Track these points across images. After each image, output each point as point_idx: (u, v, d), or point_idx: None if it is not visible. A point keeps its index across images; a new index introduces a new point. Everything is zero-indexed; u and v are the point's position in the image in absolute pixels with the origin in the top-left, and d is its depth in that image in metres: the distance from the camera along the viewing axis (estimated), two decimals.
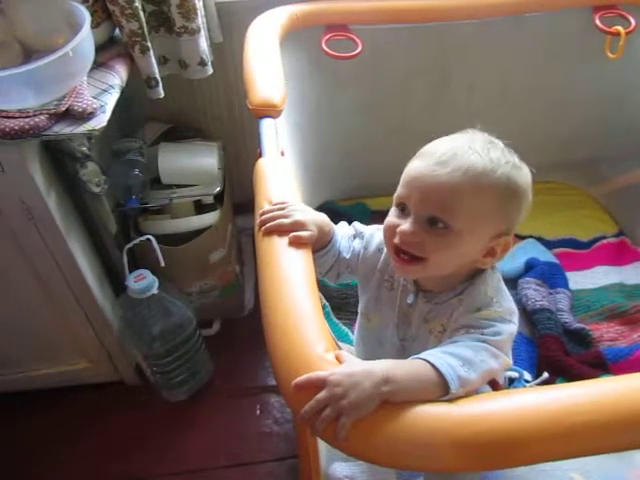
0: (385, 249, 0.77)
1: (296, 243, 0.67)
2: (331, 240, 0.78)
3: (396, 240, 0.66)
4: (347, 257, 0.80)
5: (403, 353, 0.79)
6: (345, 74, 1.22)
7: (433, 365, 0.56)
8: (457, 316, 0.69)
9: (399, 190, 0.68)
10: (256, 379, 1.30)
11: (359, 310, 0.87)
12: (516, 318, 0.70)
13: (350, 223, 0.84)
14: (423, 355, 0.59)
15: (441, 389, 0.55)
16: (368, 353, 0.88)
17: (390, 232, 0.68)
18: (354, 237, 0.82)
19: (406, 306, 0.76)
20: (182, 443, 1.20)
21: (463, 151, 0.64)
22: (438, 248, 0.65)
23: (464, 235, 0.64)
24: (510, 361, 0.67)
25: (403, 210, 0.67)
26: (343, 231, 0.81)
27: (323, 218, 0.77)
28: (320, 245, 0.76)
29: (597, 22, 1.22)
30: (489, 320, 0.66)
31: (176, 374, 1.21)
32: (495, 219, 0.66)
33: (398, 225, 0.66)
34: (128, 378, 1.27)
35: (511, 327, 0.68)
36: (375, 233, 0.81)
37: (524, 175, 0.67)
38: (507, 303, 0.70)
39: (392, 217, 0.69)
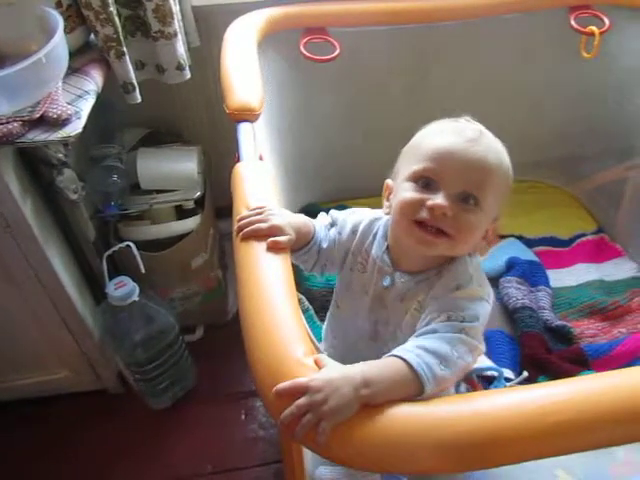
0: (360, 229, 0.78)
1: (274, 248, 0.66)
2: (313, 238, 0.78)
3: (424, 214, 0.65)
4: (325, 247, 0.79)
5: (375, 338, 0.79)
6: (324, 77, 1.22)
7: (410, 365, 0.56)
8: (435, 292, 0.69)
9: (423, 164, 0.66)
10: (241, 384, 1.29)
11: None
12: (491, 300, 0.70)
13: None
14: (399, 352, 0.58)
15: (417, 388, 0.56)
16: (337, 346, 0.88)
17: (413, 207, 0.66)
18: (331, 226, 0.82)
19: (381, 289, 0.75)
20: (167, 450, 1.19)
21: (487, 133, 0.68)
22: (468, 225, 0.65)
23: (485, 212, 0.66)
24: (483, 347, 0.67)
25: (427, 186, 0.66)
26: (321, 222, 0.81)
27: (301, 219, 0.77)
28: (301, 245, 0.76)
29: (572, 22, 1.23)
30: (469, 301, 0.66)
31: (159, 381, 1.20)
32: (501, 202, 0.68)
33: (423, 200, 0.65)
34: (111, 386, 1.26)
35: (488, 309, 0.68)
36: (348, 217, 0.81)
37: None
38: (486, 284, 0.71)
39: (412, 192, 0.67)
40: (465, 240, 0.66)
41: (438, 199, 0.64)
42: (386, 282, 0.74)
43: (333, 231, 0.81)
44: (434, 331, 0.63)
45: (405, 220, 0.68)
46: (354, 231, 0.79)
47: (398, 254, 0.74)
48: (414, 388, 0.55)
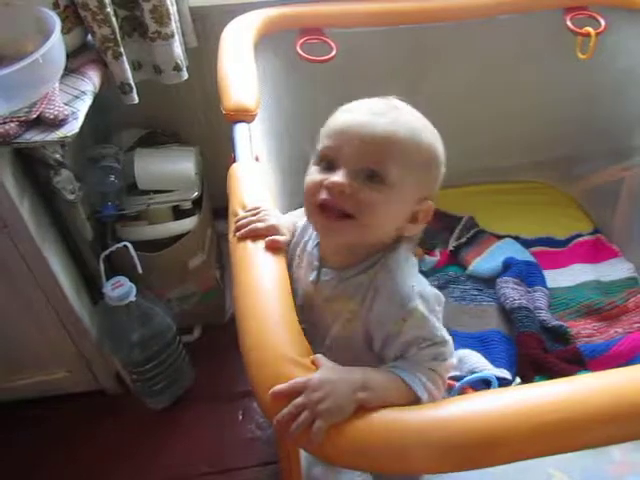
0: (303, 222, 0.73)
1: (272, 247, 0.67)
2: None
3: (323, 195, 0.60)
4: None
5: (311, 341, 0.74)
6: (320, 77, 1.22)
7: (403, 380, 0.57)
8: (378, 316, 0.63)
9: (324, 143, 0.62)
10: (238, 384, 1.29)
11: None
12: (441, 301, 0.66)
13: None
14: (392, 369, 0.59)
15: (412, 399, 0.57)
16: None
17: (314, 189, 0.61)
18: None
19: (309, 285, 0.70)
20: (164, 450, 1.19)
21: (400, 107, 0.63)
22: (370, 202, 0.59)
23: (402, 191, 0.60)
24: (455, 360, 0.66)
25: (330, 166, 0.61)
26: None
27: (290, 220, 0.77)
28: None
29: (568, 23, 1.23)
30: (421, 327, 0.61)
31: (157, 381, 1.20)
32: (423, 181, 0.63)
33: (323, 180, 0.60)
34: (108, 387, 1.25)
35: (438, 319, 0.64)
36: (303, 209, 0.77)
37: (442, 149, 0.65)
38: (427, 287, 0.65)
39: (314, 174, 0.62)
40: (371, 221, 0.61)
41: (335, 176, 0.59)
42: (312, 277, 0.70)
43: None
44: (416, 362, 0.61)
45: (309, 206, 0.64)
46: (298, 223, 0.76)
47: (324, 248, 0.70)
48: (409, 399, 0.56)
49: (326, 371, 0.53)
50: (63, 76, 0.92)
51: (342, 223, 0.60)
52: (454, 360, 0.64)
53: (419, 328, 0.61)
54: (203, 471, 1.16)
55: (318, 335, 0.71)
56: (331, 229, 0.63)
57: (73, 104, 0.90)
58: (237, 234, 0.68)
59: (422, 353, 0.61)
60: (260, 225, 0.69)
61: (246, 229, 0.68)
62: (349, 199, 0.59)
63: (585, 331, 1.21)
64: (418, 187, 0.63)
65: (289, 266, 0.74)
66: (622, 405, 0.51)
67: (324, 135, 0.64)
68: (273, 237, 0.67)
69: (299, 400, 0.50)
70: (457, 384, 0.85)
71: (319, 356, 0.56)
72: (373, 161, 0.59)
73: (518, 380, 0.96)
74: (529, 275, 1.30)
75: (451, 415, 0.49)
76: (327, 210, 0.61)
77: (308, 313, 0.71)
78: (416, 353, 0.61)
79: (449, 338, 0.64)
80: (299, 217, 0.77)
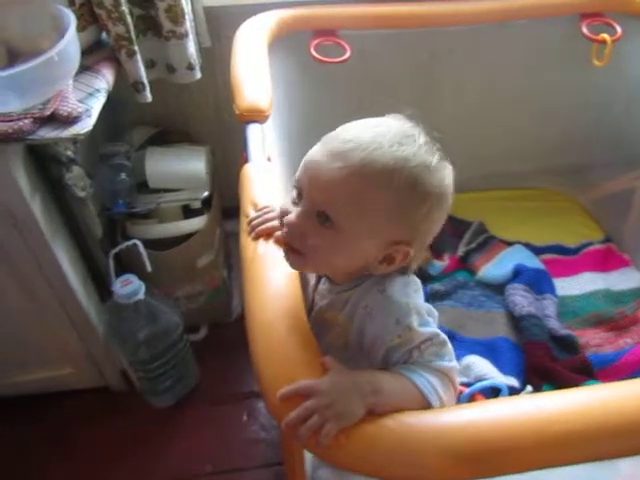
0: None
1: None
2: None
3: (284, 229, 0.60)
4: None
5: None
6: (333, 79, 1.22)
7: (415, 384, 0.56)
8: (377, 333, 0.61)
9: (297, 172, 0.61)
10: (243, 385, 1.29)
11: None
12: (435, 315, 0.65)
13: None
14: (403, 371, 0.58)
15: (423, 404, 0.55)
16: None
17: (283, 217, 0.62)
18: None
19: (310, 290, 0.71)
20: (168, 449, 1.19)
21: (367, 144, 0.56)
22: (320, 246, 0.58)
23: (353, 237, 0.58)
24: (457, 365, 0.63)
25: (300, 196, 0.60)
26: None
27: None
28: None
29: (584, 30, 1.23)
30: (420, 341, 0.60)
31: (162, 380, 1.20)
32: (395, 224, 0.58)
33: (288, 213, 0.60)
34: (114, 384, 1.26)
35: (434, 327, 0.62)
36: None
37: (438, 179, 0.59)
38: (420, 302, 0.64)
39: (288, 201, 0.62)
40: (320, 262, 0.60)
41: (291, 215, 0.59)
42: (312, 282, 0.71)
43: None
44: (422, 364, 0.59)
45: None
46: None
47: None
48: (420, 404, 0.55)
49: (336, 374, 0.53)
50: (77, 73, 0.92)
51: (298, 257, 0.60)
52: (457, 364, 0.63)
53: (416, 339, 0.60)
54: (207, 471, 1.16)
55: (321, 337, 0.71)
56: (289, 260, 0.62)
57: (87, 101, 0.90)
58: (252, 233, 0.68)
59: (426, 352, 0.60)
60: (271, 224, 0.68)
61: (262, 227, 0.68)
62: (297, 239, 0.59)
63: (594, 341, 1.20)
64: (391, 231, 0.59)
65: None
66: (634, 417, 0.50)
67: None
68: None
69: (308, 403, 0.50)
70: (467, 390, 0.84)
71: (329, 358, 0.55)
72: (325, 205, 0.57)
73: (530, 388, 0.95)
74: (538, 282, 1.29)
75: (463, 422, 0.49)
76: (286, 243, 0.61)
77: (310, 316, 0.71)
78: (420, 355, 0.60)
79: (445, 337, 0.62)
80: None
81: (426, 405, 0.55)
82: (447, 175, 0.60)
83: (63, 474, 1.15)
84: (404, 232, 0.59)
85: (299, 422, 0.50)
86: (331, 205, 0.57)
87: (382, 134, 0.57)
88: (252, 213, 0.71)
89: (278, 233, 0.67)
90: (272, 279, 0.62)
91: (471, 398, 0.83)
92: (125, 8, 1.00)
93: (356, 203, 0.56)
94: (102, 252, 1.13)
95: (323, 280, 0.69)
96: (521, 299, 1.23)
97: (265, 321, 0.58)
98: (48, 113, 0.85)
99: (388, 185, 0.56)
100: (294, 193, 0.61)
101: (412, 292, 0.64)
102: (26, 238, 0.94)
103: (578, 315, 1.25)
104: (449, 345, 0.62)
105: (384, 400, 0.51)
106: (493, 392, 0.88)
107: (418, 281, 0.66)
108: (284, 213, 0.61)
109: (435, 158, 0.58)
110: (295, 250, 0.60)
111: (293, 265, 0.62)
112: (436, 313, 0.66)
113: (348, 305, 0.64)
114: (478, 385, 0.86)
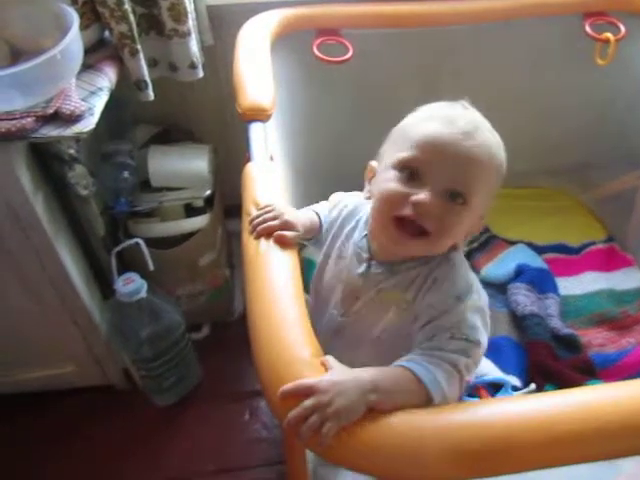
0: (343, 213, 0.75)
1: (281, 242, 0.67)
2: (321, 228, 0.79)
3: (407, 211, 0.60)
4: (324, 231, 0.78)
5: (338, 333, 0.75)
6: (336, 78, 1.22)
7: (419, 378, 0.56)
8: (431, 300, 0.64)
9: (410, 152, 0.61)
10: (245, 383, 1.29)
11: None
12: (487, 303, 0.67)
13: None
14: (409, 364, 0.58)
15: (424, 400, 0.55)
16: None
17: (395, 201, 0.61)
18: (329, 211, 0.80)
19: (355, 277, 0.71)
20: (170, 448, 1.19)
21: (482, 125, 0.62)
22: (451, 225, 0.61)
23: (474, 212, 0.62)
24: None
25: (413, 177, 0.61)
26: (323, 208, 0.81)
27: (307, 215, 0.78)
28: (313, 236, 0.78)
29: (587, 29, 1.22)
30: (471, 314, 0.62)
31: (164, 378, 1.20)
32: (489, 200, 0.65)
33: (407, 194, 0.60)
34: (116, 382, 1.26)
35: (487, 316, 0.65)
36: (343, 199, 0.79)
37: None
38: (480, 288, 0.68)
39: (396, 184, 0.61)
40: (446, 240, 0.63)
41: (423, 195, 0.59)
42: (360, 269, 0.70)
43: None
44: (439, 349, 0.60)
45: (386, 215, 0.63)
46: (339, 214, 0.77)
47: (377, 243, 0.70)
48: (422, 400, 0.55)
49: (336, 373, 0.53)
50: (80, 72, 0.92)
51: (416, 241, 0.61)
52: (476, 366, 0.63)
53: (462, 318, 0.62)
54: (209, 470, 1.16)
55: (353, 328, 0.73)
56: (404, 244, 0.63)
57: (89, 100, 0.90)
58: (254, 232, 0.68)
59: (451, 342, 0.60)
60: (274, 223, 0.69)
61: (263, 226, 0.69)
62: (433, 219, 0.60)
63: (596, 340, 1.20)
64: (485, 206, 0.65)
65: (326, 257, 0.76)
66: (637, 417, 0.50)
67: (409, 142, 0.62)
68: (282, 232, 0.67)
69: (309, 402, 0.50)
70: (470, 381, 0.83)
71: (329, 357, 0.55)
72: (462, 183, 0.60)
73: (533, 386, 0.95)
74: (541, 282, 1.28)
75: (465, 421, 0.49)
76: (406, 225, 0.61)
77: (350, 304, 0.72)
78: (446, 340, 0.60)
79: (484, 343, 0.63)
80: (323, 210, 0.80)
81: (429, 400, 0.55)
82: None
83: (64, 472, 1.15)
84: (486, 206, 0.65)
85: (300, 421, 0.50)
86: (470, 183, 0.60)
87: (481, 117, 0.64)
88: (254, 212, 0.71)
89: (288, 233, 0.67)
90: (274, 278, 0.62)
91: (473, 391, 0.83)
92: (128, 7, 0.99)
93: (484, 180, 0.61)
94: (104, 250, 1.13)
95: (374, 264, 0.69)
96: (523, 298, 1.23)
97: (266, 319, 0.58)
98: (51, 111, 0.85)
99: (499, 165, 0.63)
100: (400, 175, 0.62)
101: (469, 268, 0.68)
102: (29, 236, 0.94)
103: (581, 314, 1.25)
104: (481, 350, 0.63)
105: (385, 397, 0.51)
106: (496, 388, 0.87)
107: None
108: (401, 196, 0.60)
109: None
110: (419, 233, 0.61)
111: (410, 247, 0.63)
112: (486, 298, 0.68)
113: (418, 280, 0.66)
114: (483, 378, 0.86)
